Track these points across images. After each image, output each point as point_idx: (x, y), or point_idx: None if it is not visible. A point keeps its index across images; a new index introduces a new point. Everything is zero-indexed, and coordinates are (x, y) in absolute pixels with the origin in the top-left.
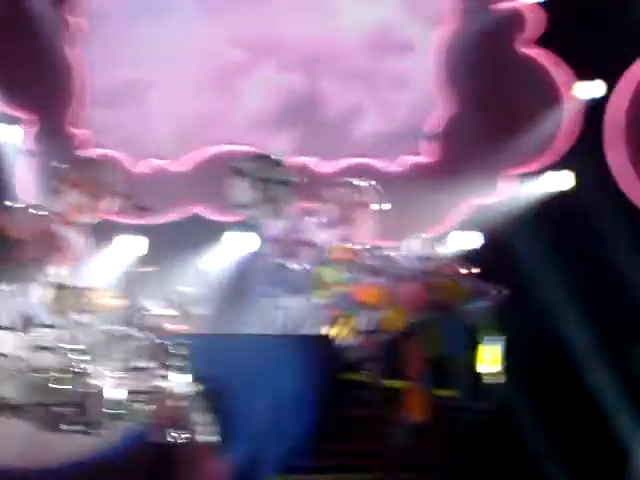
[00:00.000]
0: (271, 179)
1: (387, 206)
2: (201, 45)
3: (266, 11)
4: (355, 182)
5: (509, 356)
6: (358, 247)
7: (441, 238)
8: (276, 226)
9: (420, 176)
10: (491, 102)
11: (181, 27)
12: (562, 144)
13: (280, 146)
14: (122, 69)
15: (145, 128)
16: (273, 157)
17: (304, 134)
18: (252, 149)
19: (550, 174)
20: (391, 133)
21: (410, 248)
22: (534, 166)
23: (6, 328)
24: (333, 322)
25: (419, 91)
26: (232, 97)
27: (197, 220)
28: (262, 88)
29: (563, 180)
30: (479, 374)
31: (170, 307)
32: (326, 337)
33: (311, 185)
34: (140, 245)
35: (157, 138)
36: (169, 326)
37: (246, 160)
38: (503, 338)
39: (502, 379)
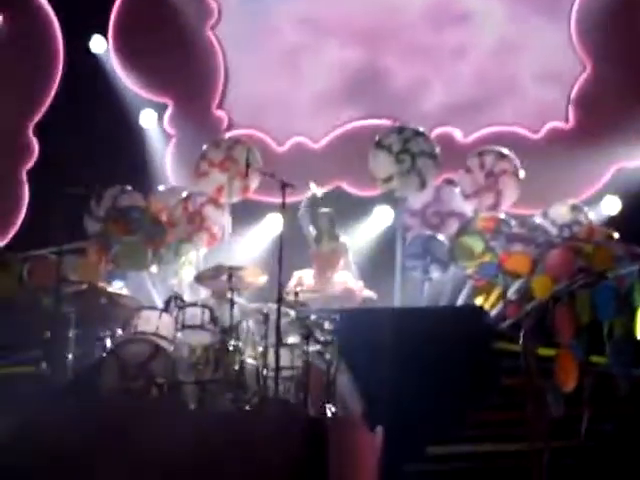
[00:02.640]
0: (416, 151)
1: (526, 173)
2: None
3: None
4: (499, 150)
5: None
6: (503, 216)
7: (586, 203)
8: (421, 198)
9: (562, 142)
10: (631, 60)
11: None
12: None
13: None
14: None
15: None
16: (416, 129)
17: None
18: (393, 122)
19: None
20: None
21: (556, 215)
22: None
23: (161, 310)
24: (481, 291)
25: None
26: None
27: (341, 195)
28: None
29: None
30: (635, 340)
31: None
32: (475, 307)
33: (455, 155)
34: (283, 223)
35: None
36: (315, 301)
37: (390, 133)
38: None
39: None
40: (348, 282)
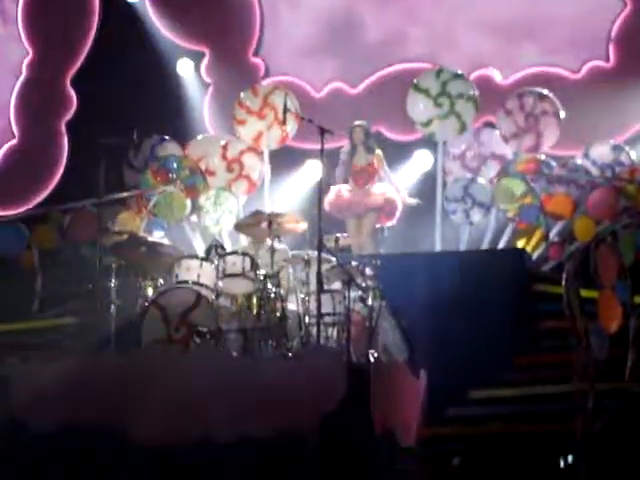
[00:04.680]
0: (454, 94)
1: (567, 114)
2: None
3: None
4: (539, 91)
5: None
6: (544, 157)
7: (628, 143)
8: (461, 141)
9: (602, 81)
10: None
11: None
12: None
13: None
14: None
15: None
16: (455, 71)
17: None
18: (429, 65)
19: None
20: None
21: (597, 155)
22: None
23: (202, 258)
24: (523, 234)
25: None
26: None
27: (380, 140)
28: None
29: None
30: None
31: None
32: (517, 250)
33: (494, 97)
34: (323, 169)
35: None
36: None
37: (428, 75)
38: None
39: None
40: (387, 192)
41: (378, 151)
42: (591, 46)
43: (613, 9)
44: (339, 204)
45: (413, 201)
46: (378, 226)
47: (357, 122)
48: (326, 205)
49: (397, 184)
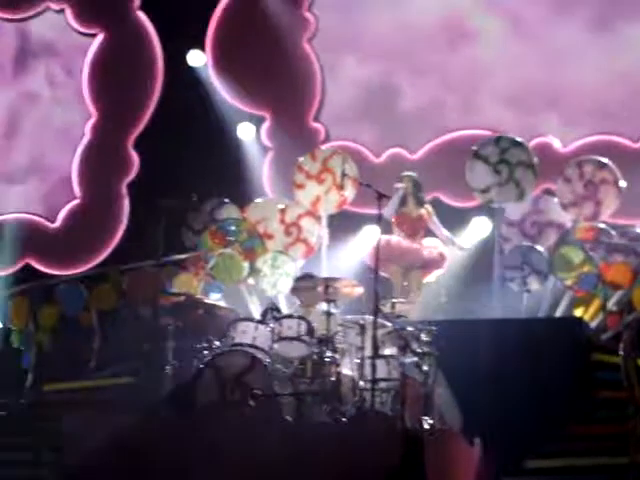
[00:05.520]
0: (513, 161)
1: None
2: None
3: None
4: (598, 159)
5: None
6: (603, 226)
7: None
8: (519, 208)
9: None
10: None
11: None
12: None
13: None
14: None
15: None
16: (514, 138)
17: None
18: (488, 132)
19: None
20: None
21: None
22: None
23: (258, 321)
24: (581, 303)
25: None
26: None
27: (438, 205)
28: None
29: None
30: None
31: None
32: (574, 319)
33: (553, 165)
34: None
35: None
36: (411, 313)
37: (488, 143)
38: None
39: None
40: (439, 247)
41: (427, 206)
42: None
43: None
44: (391, 250)
45: (468, 247)
46: (425, 281)
47: (406, 172)
48: (375, 251)
49: (448, 235)
